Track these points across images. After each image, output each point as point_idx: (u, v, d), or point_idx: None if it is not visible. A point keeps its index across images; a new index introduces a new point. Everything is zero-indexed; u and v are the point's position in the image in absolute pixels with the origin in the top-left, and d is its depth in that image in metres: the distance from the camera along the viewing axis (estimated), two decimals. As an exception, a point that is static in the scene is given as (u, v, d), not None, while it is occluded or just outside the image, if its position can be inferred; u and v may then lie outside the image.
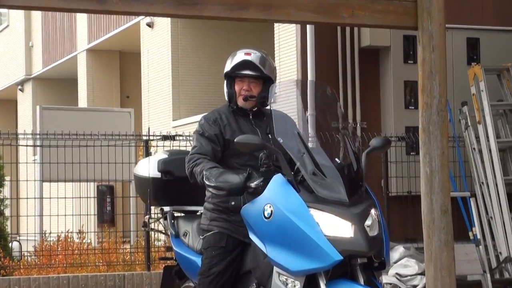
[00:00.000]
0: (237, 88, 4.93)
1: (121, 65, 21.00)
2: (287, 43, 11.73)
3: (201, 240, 5.11)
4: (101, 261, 9.65)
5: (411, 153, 8.77)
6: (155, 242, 9.56)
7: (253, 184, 4.47)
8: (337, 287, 4.27)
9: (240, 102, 4.91)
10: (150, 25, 16.91)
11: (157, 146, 10.18)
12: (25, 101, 22.41)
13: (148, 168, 5.73)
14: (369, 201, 4.44)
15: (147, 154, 9.56)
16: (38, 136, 10.05)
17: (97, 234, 11.58)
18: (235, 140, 4.55)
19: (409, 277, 8.54)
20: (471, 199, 8.92)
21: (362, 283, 4.19)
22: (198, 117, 14.18)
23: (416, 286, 8.17)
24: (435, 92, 7.79)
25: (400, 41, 9.98)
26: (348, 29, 10.04)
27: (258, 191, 4.51)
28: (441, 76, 7.94)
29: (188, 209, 5.74)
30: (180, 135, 10.26)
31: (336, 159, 4.57)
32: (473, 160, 9.25)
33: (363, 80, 10.52)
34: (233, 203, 4.83)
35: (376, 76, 10.48)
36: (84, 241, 10.57)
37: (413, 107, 9.28)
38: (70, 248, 10.16)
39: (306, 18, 8.13)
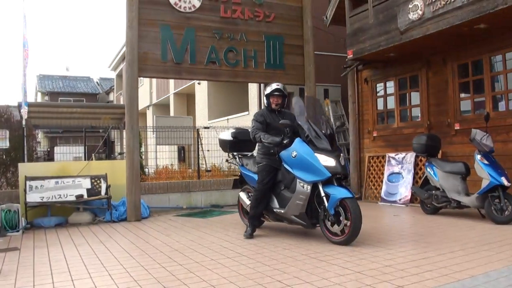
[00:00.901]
0: (271, 100, 5.82)
1: (187, 100, 22.31)
2: (254, 90, 13.30)
3: (257, 167, 5.86)
4: (179, 175, 10.68)
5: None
6: (202, 167, 10.35)
7: (284, 142, 5.41)
8: (327, 188, 5.08)
9: (273, 106, 5.83)
10: (199, 82, 18.23)
11: (202, 131, 10.62)
12: (150, 114, 24.07)
13: (227, 135, 6.71)
14: (340, 150, 5.42)
15: (198, 135, 10.46)
16: (155, 128, 11.18)
17: (178, 165, 12.85)
18: (280, 122, 5.45)
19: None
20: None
21: (336, 185, 5.11)
22: (219, 119, 16.47)
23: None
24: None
25: (297, 89, 11.36)
26: (277, 84, 11.46)
27: (286, 145, 5.42)
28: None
29: (244, 153, 6.63)
30: (211, 127, 11.19)
31: (323, 131, 5.34)
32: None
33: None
34: (272, 151, 5.67)
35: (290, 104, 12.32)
36: (173, 168, 11.88)
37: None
38: (168, 170, 11.29)
39: (257, 81, 9.83)
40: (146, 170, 11.54)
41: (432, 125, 8.65)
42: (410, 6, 7.80)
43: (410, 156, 8.73)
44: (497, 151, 6.69)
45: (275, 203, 5.72)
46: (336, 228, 5.08)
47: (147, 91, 26.12)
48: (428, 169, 7.25)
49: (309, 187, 5.19)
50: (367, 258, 4.45)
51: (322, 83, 11.14)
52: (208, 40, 8.29)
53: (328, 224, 5.17)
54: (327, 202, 5.07)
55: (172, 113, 22.17)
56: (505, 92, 7.60)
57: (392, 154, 9.23)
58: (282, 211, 5.55)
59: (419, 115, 9.04)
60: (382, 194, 9.14)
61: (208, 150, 10.57)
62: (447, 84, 8.32)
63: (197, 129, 10.83)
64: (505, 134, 7.30)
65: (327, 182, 5.13)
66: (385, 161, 9.36)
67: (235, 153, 6.70)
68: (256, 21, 8.70)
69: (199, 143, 10.49)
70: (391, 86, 9.83)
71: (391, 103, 9.80)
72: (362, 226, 5.00)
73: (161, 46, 7.93)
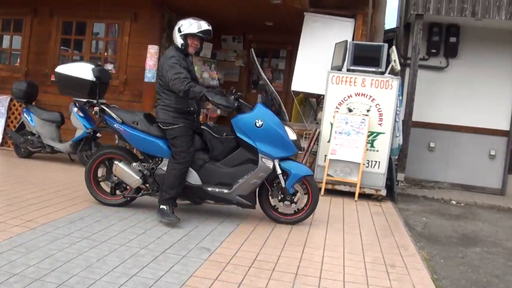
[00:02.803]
0: (190, 42, 4.61)
1: None
2: None
3: (161, 128, 4.64)
4: None
5: None
6: None
7: (236, 105, 4.58)
8: (284, 163, 4.71)
9: (191, 50, 4.68)
10: None
11: None
12: None
13: (86, 73, 5.33)
14: None
15: None
16: None
17: None
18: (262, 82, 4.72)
19: None
20: None
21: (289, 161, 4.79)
22: None
23: None
24: None
25: None
26: None
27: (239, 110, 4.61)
28: None
29: (102, 101, 5.05)
30: None
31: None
32: None
33: None
34: (191, 108, 4.67)
35: None
36: None
37: None
38: None
39: None
40: None
41: (29, 72, 9.05)
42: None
43: (5, 100, 8.86)
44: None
45: (194, 179, 4.68)
46: (290, 208, 4.86)
47: None
48: (26, 115, 7.67)
49: (271, 164, 4.64)
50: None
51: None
52: None
53: (278, 203, 4.86)
54: (285, 180, 4.72)
55: None
56: (102, 56, 8.97)
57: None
58: (225, 191, 4.65)
59: (19, 60, 9.25)
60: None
61: None
62: (50, 36, 8.90)
63: None
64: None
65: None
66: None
67: (95, 101, 5.06)
68: None
69: None
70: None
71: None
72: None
73: None
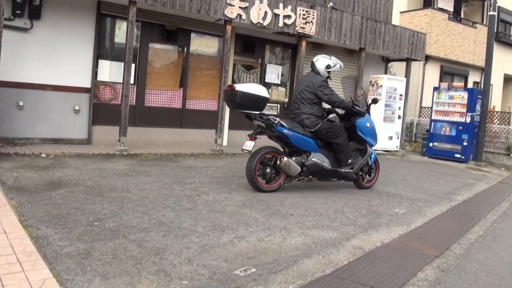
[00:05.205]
0: (331, 75, 7.34)
1: None
2: None
3: (311, 131, 6.99)
4: None
5: None
6: None
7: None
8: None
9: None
10: None
11: None
12: None
13: (263, 91, 6.66)
14: None
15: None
16: None
17: None
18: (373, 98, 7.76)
19: None
20: None
21: None
22: None
23: None
24: None
25: None
26: None
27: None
28: None
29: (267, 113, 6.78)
30: None
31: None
32: None
33: None
34: (324, 114, 7.27)
35: None
36: None
37: None
38: None
39: None
40: None
41: None
42: None
43: None
44: None
45: (327, 163, 7.14)
46: (368, 177, 7.82)
47: None
48: None
49: (373, 151, 7.60)
50: None
51: None
52: None
53: (365, 175, 7.75)
54: (370, 159, 7.60)
55: None
56: None
57: None
58: (351, 170, 7.24)
59: None
60: None
61: None
62: None
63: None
64: None
65: None
66: None
67: (266, 113, 6.77)
68: None
69: None
70: None
71: None
72: None
73: None
